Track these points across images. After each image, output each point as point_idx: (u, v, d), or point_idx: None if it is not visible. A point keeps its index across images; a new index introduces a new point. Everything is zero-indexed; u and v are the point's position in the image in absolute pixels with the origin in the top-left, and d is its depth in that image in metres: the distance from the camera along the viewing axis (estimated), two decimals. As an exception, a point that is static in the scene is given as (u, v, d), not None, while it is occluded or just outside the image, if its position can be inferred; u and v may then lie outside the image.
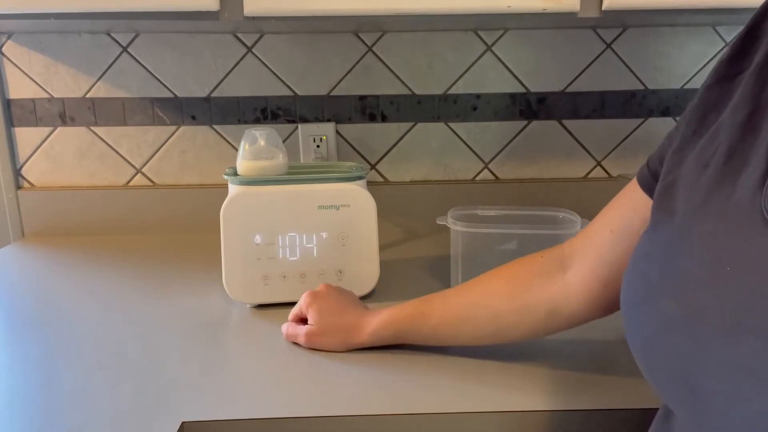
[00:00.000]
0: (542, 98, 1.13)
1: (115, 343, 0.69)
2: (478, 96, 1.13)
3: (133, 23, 0.97)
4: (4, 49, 1.08)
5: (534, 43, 1.11)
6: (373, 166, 1.16)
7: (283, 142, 0.85)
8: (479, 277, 0.62)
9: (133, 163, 1.14)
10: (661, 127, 1.15)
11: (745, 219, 0.33)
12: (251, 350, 0.67)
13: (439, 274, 0.91)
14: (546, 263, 0.58)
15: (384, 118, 1.14)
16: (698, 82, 1.13)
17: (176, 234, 1.14)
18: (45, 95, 1.10)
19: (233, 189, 0.76)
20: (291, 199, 0.76)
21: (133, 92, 1.11)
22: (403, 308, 0.64)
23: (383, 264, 0.82)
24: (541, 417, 0.54)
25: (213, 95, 1.12)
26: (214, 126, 1.13)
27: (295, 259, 0.77)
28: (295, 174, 0.79)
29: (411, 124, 1.14)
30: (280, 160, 0.78)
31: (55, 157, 1.13)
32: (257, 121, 1.13)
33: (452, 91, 1.13)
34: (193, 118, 1.12)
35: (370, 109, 1.13)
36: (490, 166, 1.17)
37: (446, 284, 0.86)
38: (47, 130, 1.12)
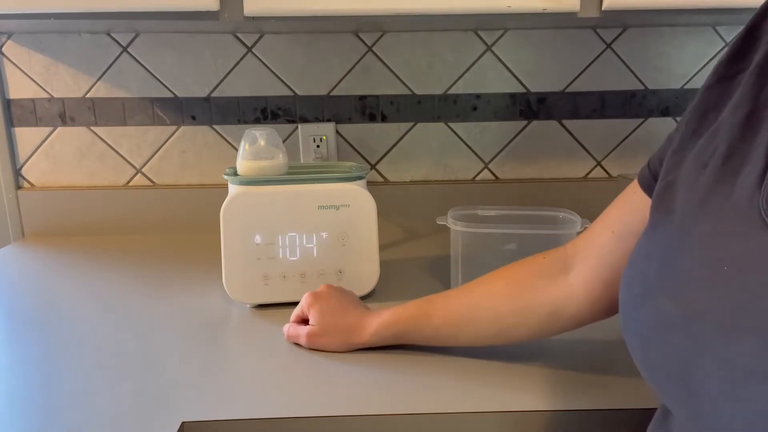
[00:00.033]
0: (542, 98, 1.13)
1: (115, 343, 0.69)
2: (478, 96, 1.13)
3: (133, 23, 0.97)
4: (4, 49, 1.08)
5: (534, 43, 1.11)
6: (373, 166, 1.16)
7: (283, 142, 0.85)
8: (481, 278, 0.62)
9: (133, 163, 1.14)
10: (661, 127, 1.15)
11: (743, 219, 0.33)
12: (251, 350, 0.67)
13: (439, 274, 0.91)
14: (548, 265, 0.58)
15: (384, 118, 1.14)
16: (698, 82, 1.13)
17: (176, 234, 1.14)
18: (45, 95, 1.10)
19: (233, 189, 0.76)
20: (291, 199, 0.76)
21: (133, 92, 1.11)
22: (405, 308, 0.64)
23: (383, 264, 0.82)
24: (541, 417, 0.54)
25: (213, 95, 1.12)
26: (214, 126, 1.13)
27: (295, 259, 0.77)
28: (295, 174, 0.79)
29: (411, 124, 1.14)
30: (280, 160, 0.78)
31: (55, 157, 1.13)
32: (257, 121, 1.13)
33: (452, 91, 1.13)
34: (193, 118, 1.12)
35: (370, 109, 1.13)
36: (490, 166, 1.17)
37: (446, 284, 0.86)
38: (47, 130, 1.12)
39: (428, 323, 0.62)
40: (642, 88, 1.13)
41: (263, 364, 0.63)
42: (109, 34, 1.08)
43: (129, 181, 1.15)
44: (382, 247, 0.94)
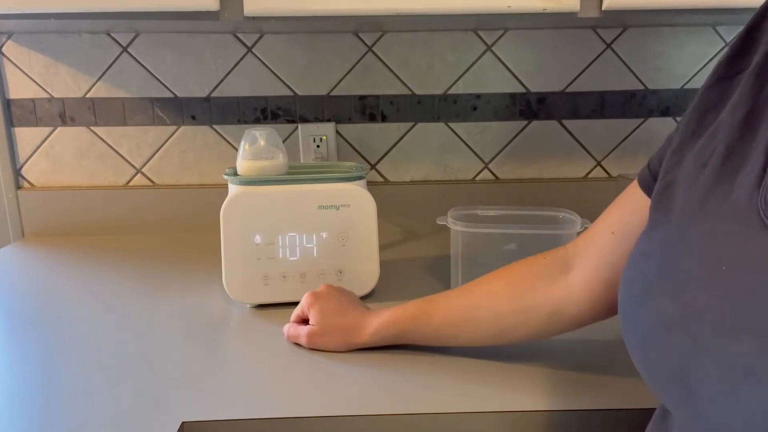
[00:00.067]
0: (542, 98, 1.13)
1: (115, 343, 0.69)
2: (478, 96, 1.13)
3: (133, 23, 0.97)
4: (4, 49, 1.08)
5: (534, 43, 1.11)
6: (373, 166, 1.16)
7: (283, 142, 0.85)
8: (481, 278, 0.62)
9: (133, 163, 1.14)
10: (661, 127, 1.15)
11: (742, 219, 0.33)
12: (251, 350, 0.67)
13: (439, 274, 0.91)
14: (548, 265, 0.58)
15: (384, 118, 1.14)
16: (698, 82, 1.13)
17: (176, 234, 1.14)
18: (45, 95, 1.10)
19: (233, 189, 0.76)
20: (291, 199, 0.76)
21: (133, 92, 1.11)
22: (406, 308, 0.64)
23: (383, 264, 0.82)
24: (541, 417, 0.54)
25: (213, 95, 1.12)
26: (214, 126, 1.13)
27: (295, 259, 0.77)
28: (295, 174, 0.79)
29: (411, 124, 1.14)
30: (280, 160, 0.78)
31: (55, 157, 1.13)
32: (257, 121, 1.13)
33: (452, 91, 1.13)
34: (193, 118, 1.12)
35: (370, 109, 1.13)
36: (490, 166, 1.17)
37: (446, 284, 0.86)
38: (47, 130, 1.12)
39: (428, 323, 0.62)
40: (642, 88, 1.13)
41: (263, 364, 0.63)
42: (109, 34, 1.08)
43: (129, 181, 1.15)
44: (382, 247, 0.94)
